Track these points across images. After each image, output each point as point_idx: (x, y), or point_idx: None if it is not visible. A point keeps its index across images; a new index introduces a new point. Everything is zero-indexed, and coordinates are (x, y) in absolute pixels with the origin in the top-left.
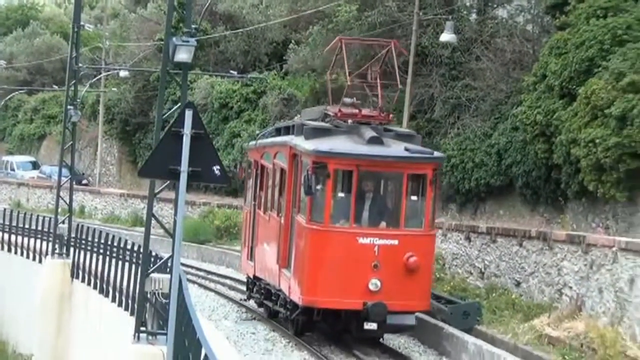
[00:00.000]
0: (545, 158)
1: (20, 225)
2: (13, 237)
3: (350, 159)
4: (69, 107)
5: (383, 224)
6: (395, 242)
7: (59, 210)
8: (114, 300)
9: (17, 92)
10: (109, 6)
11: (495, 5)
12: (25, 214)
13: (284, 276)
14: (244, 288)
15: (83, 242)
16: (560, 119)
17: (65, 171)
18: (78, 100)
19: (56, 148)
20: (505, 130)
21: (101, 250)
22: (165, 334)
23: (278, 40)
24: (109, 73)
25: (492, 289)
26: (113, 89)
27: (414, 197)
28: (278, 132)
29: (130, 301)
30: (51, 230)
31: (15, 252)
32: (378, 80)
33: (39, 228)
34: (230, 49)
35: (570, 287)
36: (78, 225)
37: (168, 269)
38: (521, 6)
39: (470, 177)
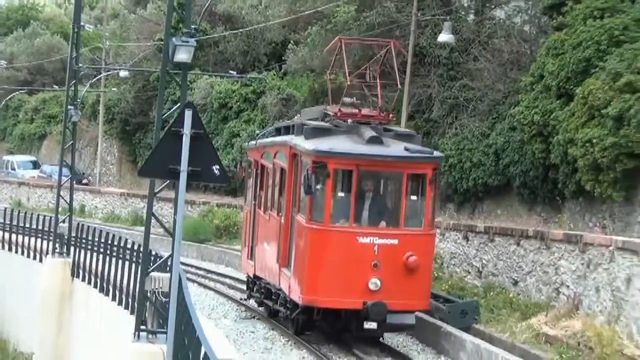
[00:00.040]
0: (543, 158)
1: (21, 224)
2: (14, 237)
3: (350, 158)
4: (69, 107)
5: (383, 223)
6: (395, 241)
7: (60, 209)
8: (114, 299)
9: (17, 92)
10: (109, 7)
11: (493, 6)
12: (25, 213)
13: (284, 275)
14: (243, 287)
15: (83, 241)
16: (558, 119)
17: (65, 171)
18: (78, 100)
19: (56, 148)
20: (503, 130)
21: (101, 250)
22: (165, 333)
23: (277, 40)
24: (109, 73)
25: (489, 287)
26: (113, 89)
27: (413, 197)
28: (278, 131)
29: (130, 300)
30: (52, 230)
31: (16, 251)
32: (378, 80)
33: (40, 227)
34: (229, 49)
35: (568, 286)
36: (78, 224)
37: (168, 268)
38: (519, 7)
39: (468, 176)
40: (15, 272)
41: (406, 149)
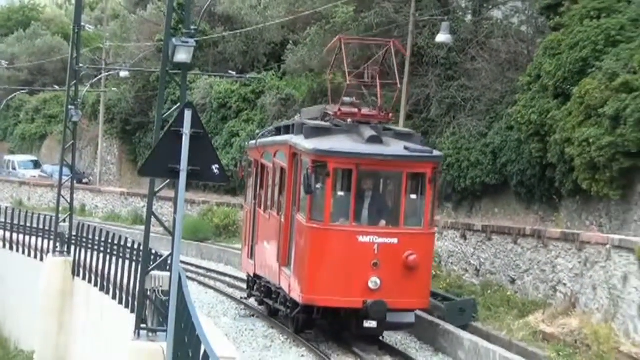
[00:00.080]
0: (540, 157)
1: (22, 223)
2: (15, 236)
3: (349, 158)
4: (69, 107)
5: (383, 222)
6: (395, 240)
7: (60, 208)
8: (114, 297)
9: (18, 92)
10: (109, 7)
11: (490, 7)
12: (26, 212)
13: (284, 274)
14: (242, 285)
15: (84, 240)
16: (555, 119)
17: (66, 170)
18: (79, 100)
19: (57, 147)
20: (500, 129)
21: (102, 248)
22: (165, 331)
23: (276, 41)
24: (109, 73)
25: (487, 286)
26: (113, 89)
27: (413, 196)
28: (278, 131)
29: (130, 298)
30: (52, 229)
31: (17, 250)
32: (377, 80)
33: (41, 226)
34: (229, 49)
35: (565, 284)
36: (79, 223)
37: (168, 267)
38: (516, 7)
39: (466, 175)
40: (17, 271)
41: (406, 148)
